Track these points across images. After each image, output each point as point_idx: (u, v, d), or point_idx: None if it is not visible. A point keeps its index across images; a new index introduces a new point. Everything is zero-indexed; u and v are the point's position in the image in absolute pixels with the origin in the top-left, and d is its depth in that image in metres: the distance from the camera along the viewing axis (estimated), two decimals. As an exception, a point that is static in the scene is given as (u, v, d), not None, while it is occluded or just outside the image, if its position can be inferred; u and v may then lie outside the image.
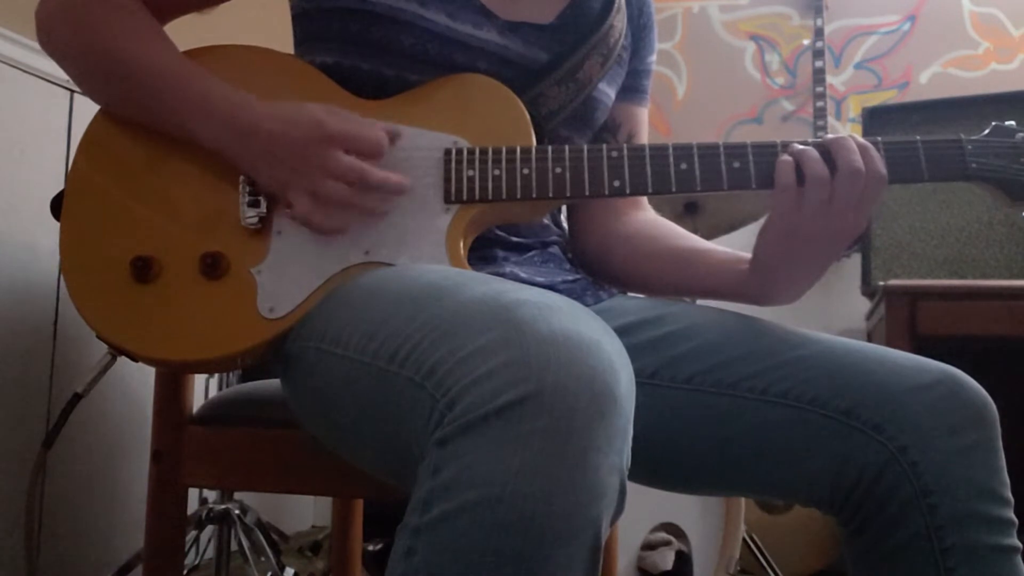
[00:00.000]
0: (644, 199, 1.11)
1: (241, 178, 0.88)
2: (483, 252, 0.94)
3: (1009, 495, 0.79)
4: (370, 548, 1.88)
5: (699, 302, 1.23)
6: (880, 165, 0.84)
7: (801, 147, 0.84)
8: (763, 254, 0.89)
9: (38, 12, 0.94)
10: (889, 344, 1.67)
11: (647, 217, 1.08)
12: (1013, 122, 0.89)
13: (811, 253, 0.86)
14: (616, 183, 0.88)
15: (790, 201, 0.83)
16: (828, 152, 0.84)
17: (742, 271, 0.93)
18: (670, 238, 1.03)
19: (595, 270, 1.06)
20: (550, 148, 0.88)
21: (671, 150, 0.88)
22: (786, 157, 0.84)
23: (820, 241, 0.85)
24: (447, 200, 0.88)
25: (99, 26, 0.91)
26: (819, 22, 2.91)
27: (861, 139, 0.84)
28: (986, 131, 0.88)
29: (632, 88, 1.08)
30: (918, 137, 0.87)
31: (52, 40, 0.94)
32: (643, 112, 1.12)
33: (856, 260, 2.50)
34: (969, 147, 0.87)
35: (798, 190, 0.83)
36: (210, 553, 1.87)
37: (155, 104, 0.89)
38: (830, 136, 0.85)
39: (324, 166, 0.84)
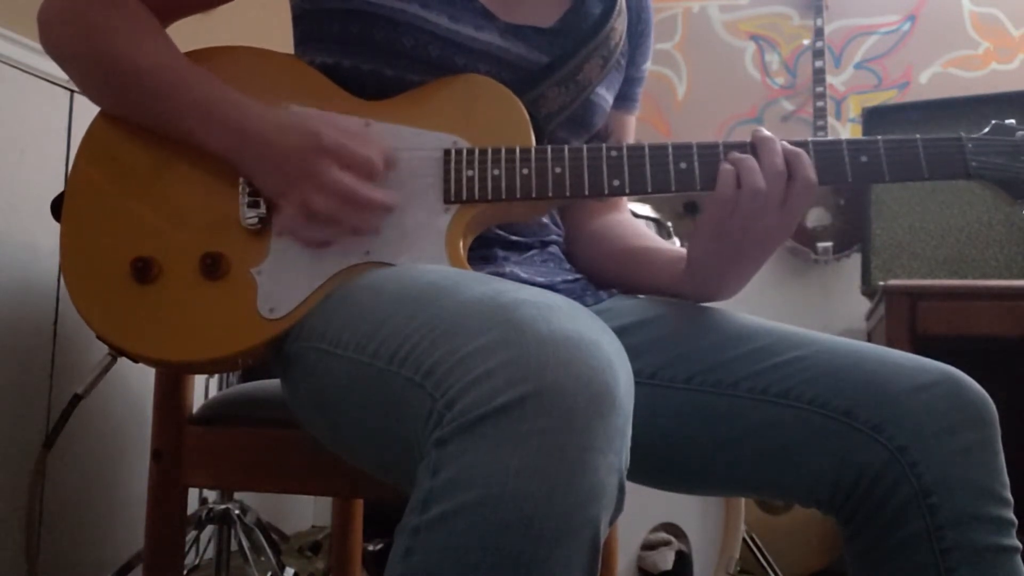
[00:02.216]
0: (622, 201, 1.12)
1: (241, 179, 0.88)
2: (483, 251, 0.94)
3: (1009, 495, 0.79)
4: (370, 548, 1.87)
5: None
6: (810, 171, 0.84)
7: (740, 155, 0.85)
8: (695, 256, 0.91)
9: (40, 14, 0.94)
10: (889, 344, 1.67)
11: (617, 218, 1.10)
12: (1013, 120, 0.89)
13: (739, 254, 0.88)
14: (616, 182, 0.88)
15: (726, 207, 0.84)
16: (756, 153, 0.85)
17: (680, 270, 0.94)
18: (626, 238, 1.05)
19: None
20: (549, 148, 0.88)
21: (671, 149, 0.88)
22: (727, 166, 0.85)
23: (748, 243, 0.86)
24: (447, 200, 0.88)
25: (101, 28, 0.91)
26: (819, 22, 2.91)
27: (791, 146, 0.85)
28: (986, 129, 0.88)
29: (625, 96, 1.09)
30: (918, 136, 0.87)
31: (54, 42, 0.94)
32: (632, 120, 1.13)
33: (856, 260, 2.50)
34: (969, 145, 0.87)
35: (735, 196, 0.84)
36: (210, 553, 1.86)
37: (156, 106, 0.89)
38: (760, 135, 0.86)
39: (314, 178, 0.84)
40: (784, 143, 0.86)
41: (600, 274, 1.05)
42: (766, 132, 0.86)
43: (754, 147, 0.85)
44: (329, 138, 0.84)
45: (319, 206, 0.84)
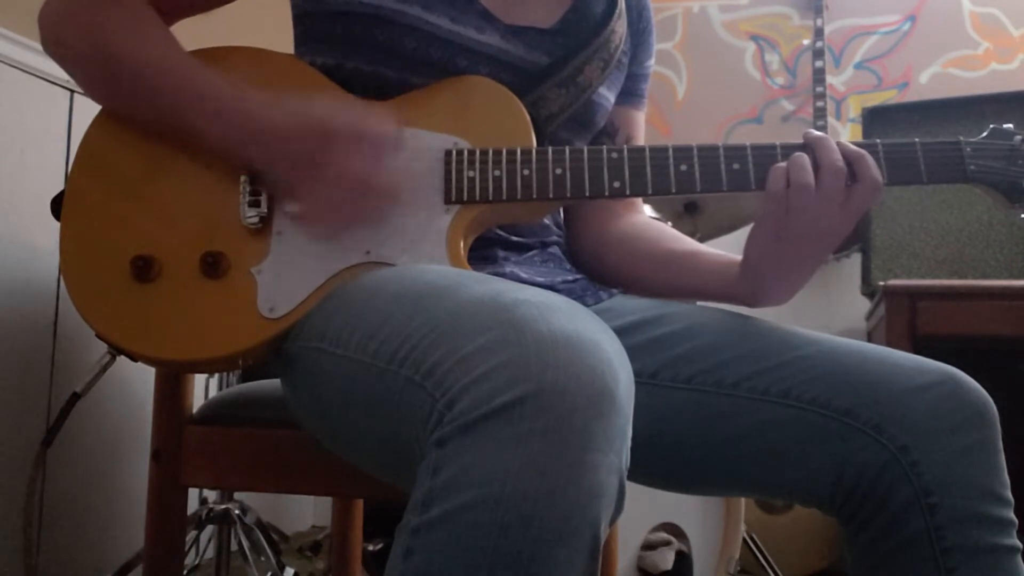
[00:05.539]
0: (639, 201, 1.12)
1: (242, 178, 0.88)
2: (483, 252, 0.94)
3: (1009, 495, 0.79)
4: (370, 548, 1.87)
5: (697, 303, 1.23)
6: (875, 172, 0.84)
7: (795, 154, 0.85)
8: (752, 256, 0.90)
9: (41, 16, 0.94)
10: (889, 344, 1.67)
11: (641, 219, 1.09)
12: (1011, 125, 0.89)
13: (798, 254, 0.87)
14: (616, 184, 0.88)
15: (778, 205, 0.84)
16: (812, 152, 0.84)
17: (733, 273, 0.93)
18: (663, 240, 1.04)
19: (589, 271, 1.06)
20: (550, 149, 0.88)
21: (671, 151, 0.88)
22: (782, 164, 0.85)
23: (807, 242, 0.85)
24: (447, 200, 0.88)
25: (105, 27, 0.91)
26: (819, 22, 2.91)
27: (856, 148, 0.85)
28: (984, 133, 0.89)
29: (630, 92, 1.09)
30: (917, 139, 0.87)
31: (57, 43, 0.94)
32: (640, 116, 1.12)
33: (856, 260, 2.50)
34: (968, 149, 0.87)
35: (785, 194, 0.84)
36: (210, 553, 1.87)
37: (161, 103, 0.89)
38: (814, 135, 0.85)
39: (322, 165, 0.84)
40: (851, 146, 0.85)
41: (632, 277, 1.04)
42: (819, 133, 0.86)
43: (807, 146, 0.85)
44: (335, 123, 0.84)
45: (326, 194, 0.84)
